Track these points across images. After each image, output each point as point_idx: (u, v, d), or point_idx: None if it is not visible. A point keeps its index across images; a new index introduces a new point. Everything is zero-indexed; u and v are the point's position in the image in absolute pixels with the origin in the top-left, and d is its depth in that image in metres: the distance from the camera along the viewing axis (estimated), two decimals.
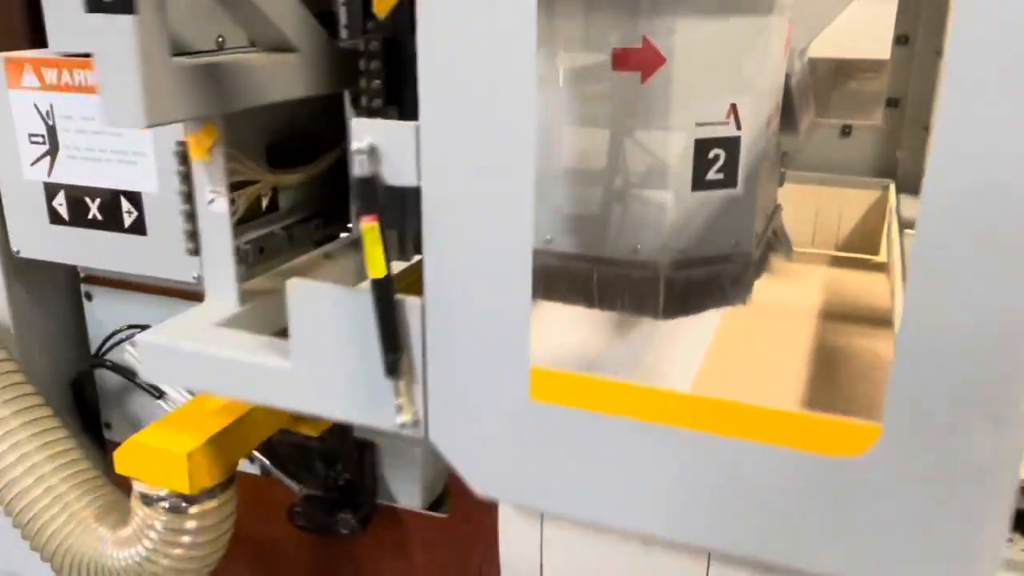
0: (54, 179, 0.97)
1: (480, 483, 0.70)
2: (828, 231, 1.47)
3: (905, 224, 1.16)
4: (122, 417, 1.15)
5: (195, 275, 0.94)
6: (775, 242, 0.95)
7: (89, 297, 1.11)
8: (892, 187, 1.46)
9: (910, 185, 1.36)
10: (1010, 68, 0.47)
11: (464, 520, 1.03)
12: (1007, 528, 0.57)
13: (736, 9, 0.79)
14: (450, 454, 0.71)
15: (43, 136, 0.96)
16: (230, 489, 0.90)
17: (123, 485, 0.92)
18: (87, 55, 0.92)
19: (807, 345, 0.99)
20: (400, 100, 0.82)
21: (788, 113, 1.04)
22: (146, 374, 0.83)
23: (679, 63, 0.78)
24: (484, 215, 0.62)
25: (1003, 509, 0.56)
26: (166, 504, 0.86)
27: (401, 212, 0.65)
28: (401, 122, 0.65)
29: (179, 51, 0.81)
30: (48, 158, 0.97)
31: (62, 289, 1.13)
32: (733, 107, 0.81)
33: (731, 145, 0.82)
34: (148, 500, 0.86)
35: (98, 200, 0.96)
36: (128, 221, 0.96)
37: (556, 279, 0.82)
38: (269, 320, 0.87)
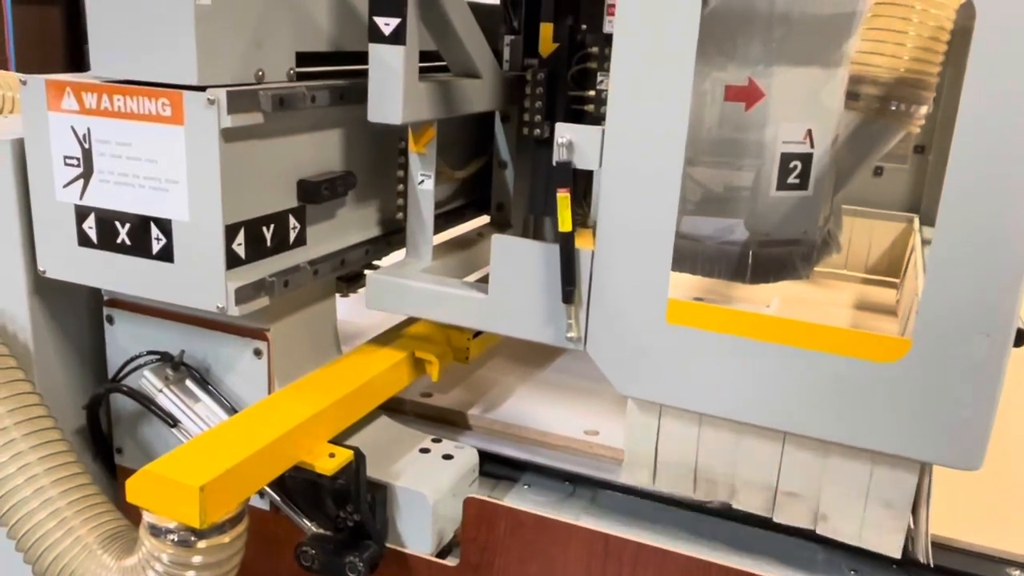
0: (86, 202, 0.98)
1: (621, 383, 0.95)
2: (859, 257, 1.71)
3: (927, 243, 1.43)
4: (134, 443, 1.14)
5: (219, 304, 0.94)
6: (829, 239, 1.23)
7: (111, 321, 1.11)
8: (916, 220, 1.69)
9: (932, 219, 1.60)
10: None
11: (473, 569, 1.01)
12: (996, 405, 0.80)
13: (815, 62, 1.06)
14: (601, 362, 0.95)
15: (78, 159, 0.96)
16: (240, 524, 0.89)
17: (130, 512, 0.90)
18: (127, 81, 0.93)
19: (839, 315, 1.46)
20: (552, 115, 1.13)
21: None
22: (371, 303, 1.07)
23: (774, 98, 1.05)
24: (643, 192, 0.88)
25: (992, 395, 0.80)
26: (175, 537, 0.84)
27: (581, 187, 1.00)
28: (592, 126, 0.90)
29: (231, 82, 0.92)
30: (81, 181, 0.97)
31: (84, 312, 1.13)
32: (809, 131, 1.07)
33: (806, 159, 1.08)
34: (156, 531, 0.85)
35: (128, 225, 0.96)
36: (156, 248, 0.96)
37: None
38: (452, 271, 1.15)
